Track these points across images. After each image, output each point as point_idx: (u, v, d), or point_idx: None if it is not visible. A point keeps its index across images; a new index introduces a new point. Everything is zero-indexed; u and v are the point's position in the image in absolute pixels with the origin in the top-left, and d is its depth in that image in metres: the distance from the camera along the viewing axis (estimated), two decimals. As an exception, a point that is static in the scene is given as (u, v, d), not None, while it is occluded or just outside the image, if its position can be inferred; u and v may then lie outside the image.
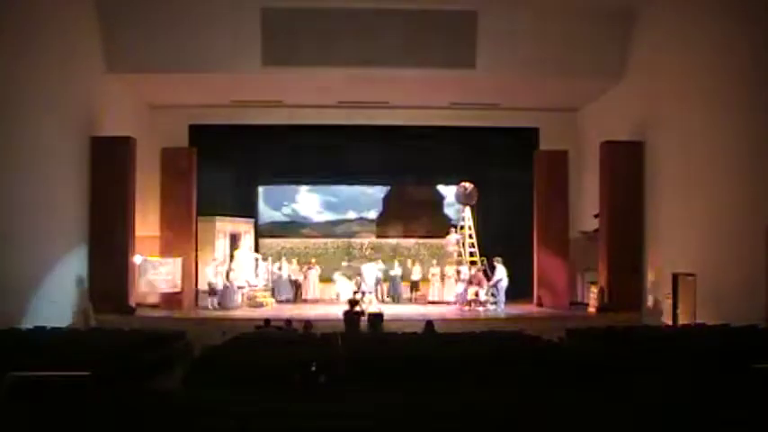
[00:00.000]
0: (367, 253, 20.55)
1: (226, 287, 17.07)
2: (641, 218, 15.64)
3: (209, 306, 16.88)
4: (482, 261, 18.33)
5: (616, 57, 16.06)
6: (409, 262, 19.58)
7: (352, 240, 20.96)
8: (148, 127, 18.30)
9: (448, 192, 20.97)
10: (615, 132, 16.36)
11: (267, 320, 12.91)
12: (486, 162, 19.89)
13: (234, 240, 19.12)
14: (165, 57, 15.40)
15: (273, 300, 18.18)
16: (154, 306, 17.05)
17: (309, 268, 19.09)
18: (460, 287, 17.22)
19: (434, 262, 19.50)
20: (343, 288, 18.40)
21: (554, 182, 17.79)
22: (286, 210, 21.17)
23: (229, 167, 19.97)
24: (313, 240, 20.85)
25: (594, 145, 16.60)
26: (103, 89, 15.60)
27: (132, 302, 15.40)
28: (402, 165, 20.27)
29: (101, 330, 12.21)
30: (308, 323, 11.86)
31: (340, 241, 20.91)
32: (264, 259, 19.23)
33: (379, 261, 19.18)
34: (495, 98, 18.26)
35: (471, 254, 18.42)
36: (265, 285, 18.55)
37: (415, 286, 19.01)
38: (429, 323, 11.77)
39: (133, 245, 15.54)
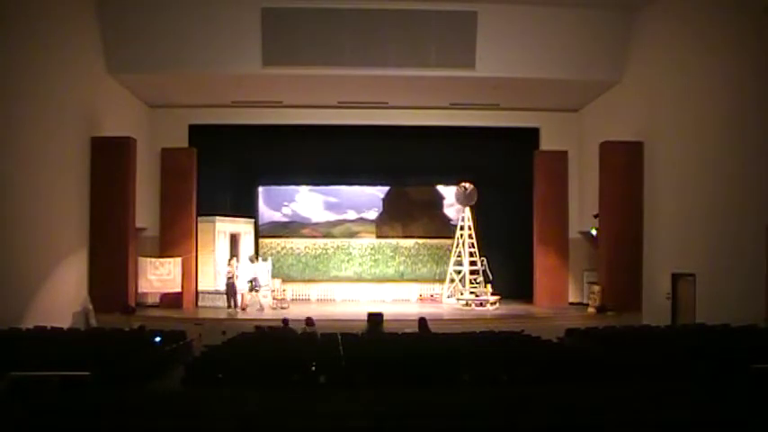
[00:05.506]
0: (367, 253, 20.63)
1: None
2: (641, 218, 15.64)
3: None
4: (482, 261, 18.35)
5: (616, 57, 16.07)
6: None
7: (352, 240, 20.96)
8: (148, 127, 18.30)
9: (448, 192, 20.96)
10: (615, 132, 16.36)
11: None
12: (486, 162, 19.89)
13: (234, 240, 19.10)
14: (165, 57, 15.40)
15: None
16: (154, 306, 17.07)
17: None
18: None
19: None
20: None
21: (554, 182, 17.83)
22: (286, 210, 21.16)
23: (229, 167, 20.00)
24: (313, 240, 20.86)
25: (594, 145, 16.61)
26: (103, 89, 15.59)
27: (132, 302, 15.39)
28: (402, 165, 20.28)
29: (101, 330, 12.22)
30: (309, 320, 11.83)
31: (340, 241, 20.92)
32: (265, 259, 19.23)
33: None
34: (495, 98, 18.24)
35: (471, 254, 18.42)
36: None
37: None
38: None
39: (134, 245, 15.53)
